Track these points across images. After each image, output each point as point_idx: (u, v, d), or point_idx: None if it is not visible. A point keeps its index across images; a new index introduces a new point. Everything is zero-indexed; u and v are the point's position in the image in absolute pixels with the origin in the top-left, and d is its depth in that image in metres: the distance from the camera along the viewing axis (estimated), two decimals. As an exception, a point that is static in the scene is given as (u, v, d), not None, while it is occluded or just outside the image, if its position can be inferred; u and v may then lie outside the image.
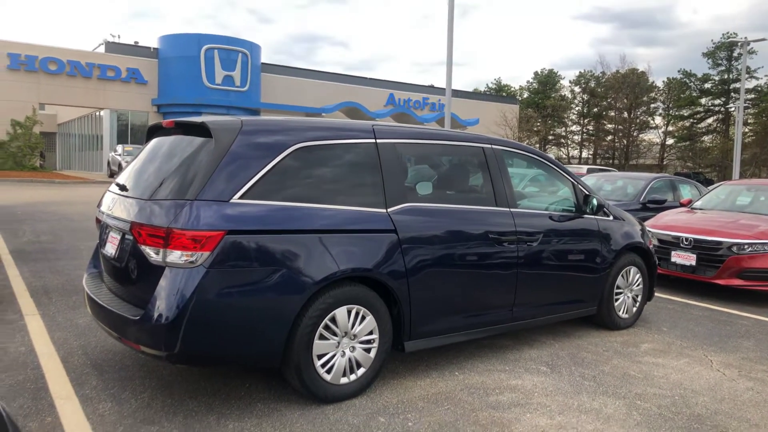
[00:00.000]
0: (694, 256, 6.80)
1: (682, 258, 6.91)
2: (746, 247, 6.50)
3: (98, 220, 3.99)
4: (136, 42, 34.42)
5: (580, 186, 4.96)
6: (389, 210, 3.63)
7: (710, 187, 9.31)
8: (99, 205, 4.00)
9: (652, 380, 4.02)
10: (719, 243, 6.65)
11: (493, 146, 4.42)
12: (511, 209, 4.31)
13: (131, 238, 3.25)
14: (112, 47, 32.88)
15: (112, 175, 28.24)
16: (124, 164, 25.65)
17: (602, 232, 4.95)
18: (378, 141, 3.75)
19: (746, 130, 49.35)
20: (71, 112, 37.68)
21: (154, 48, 33.08)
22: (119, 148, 28.42)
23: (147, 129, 4.05)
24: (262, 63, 35.23)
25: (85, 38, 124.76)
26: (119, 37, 37.82)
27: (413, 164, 4.22)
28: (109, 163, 29.41)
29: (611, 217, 5.13)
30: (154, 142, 3.84)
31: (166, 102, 32.25)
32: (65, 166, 40.99)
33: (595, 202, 4.94)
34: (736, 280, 6.52)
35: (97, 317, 3.53)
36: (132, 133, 33.10)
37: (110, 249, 3.56)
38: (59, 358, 3.97)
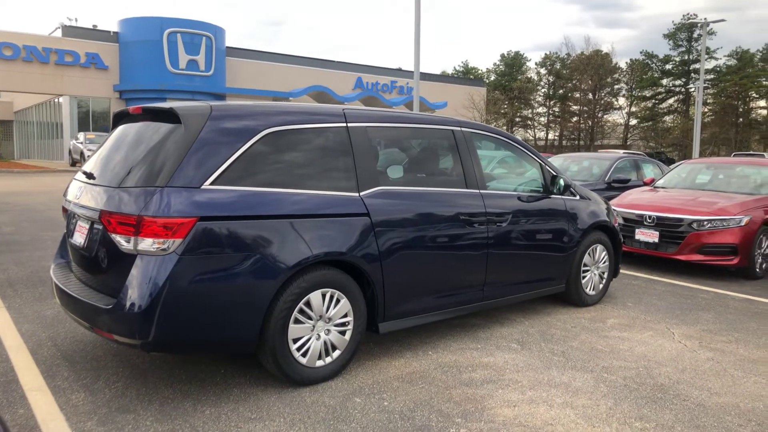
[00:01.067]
0: (657, 233, 7.01)
1: (646, 235, 7.11)
2: (705, 223, 6.73)
3: (65, 210, 3.91)
4: (94, 26, 33.38)
5: (547, 167, 5.06)
6: (362, 194, 3.66)
7: (672, 166, 9.57)
8: (65, 194, 3.92)
9: (618, 354, 4.16)
10: (680, 220, 6.86)
11: (463, 129, 4.47)
12: (481, 191, 4.37)
13: (101, 226, 3.21)
14: (70, 31, 31.80)
15: (74, 163, 27.52)
16: (86, 152, 25.02)
17: (569, 212, 5.07)
18: (349, 125, 3.75)
19: (706, 110, 50.71)
20: (28, 99, 36.47)
21: (114, 32, 32.12)
22: (81, 135, 27.67)
23: (113, 115, 3.97)
24: (227, 47, 34.57)
25: (40, 21, 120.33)
26: (77, 20, 36.48)
27: (384, 148, 4.24)
28: (70, 151, 28.62)
29: (578, 197, 5.25)
30: (120, 129, 3.76)
31: (128, 88, 31.44)
32: (23, 155, 39.74)
33: (562, 182, 5.04)
34: (697, 255, 6.76)
35: (66, 308, 3.47)
36: (94, 120, 32.21)
37: (79, 238, 3.50)
38: (28, 350, 3.90)
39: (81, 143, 26.63)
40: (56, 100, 32.57)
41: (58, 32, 32.05)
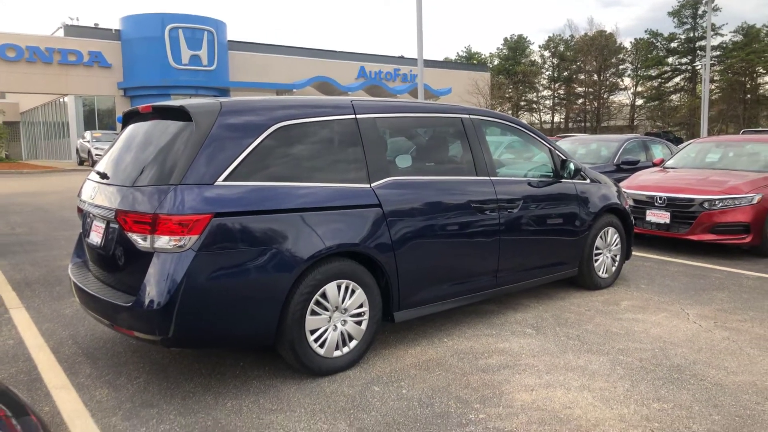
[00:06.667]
0: (668, 214, 6.99)
1: (657, 216, 7.09)
2: (717, 202, 6.70)
3: (80, 210, 3.95)
4: (96, 24, 33.59)
5: (556, 151, 5.05)
6: (373, 185, 3.67)
7: (681, 146, 9.51)
8: (79, 194, 3.96)
9: (633, 335, 4.17)
10: (691, 200, 6.84)
11: (471, 116, 4.46)
12: (491, 178, 4.37)
13: (117, 225, 3.24)
14: (72, 30, 31.87)
15: (82, 162, 27.68)
16: (93, 151, 25.16)
17: (580, 196, 5.06)
18: (358, 116, 3.76)
19: (713, 87, 50.18)
20: (34, 100, 36.65)
21: (116, 30, 32.15)
22: (87, 134, 27.82)
23: (123, 115, 4.00)
24: (229, 40, 34.53)
25: (41, 22, 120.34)
26: (78, 19, 36.61)
27: (394, 138, 4.25)
28: (77, 150, 28.78)
29: (588, 180, 5.24)
30: (131, 128, 3.79)
31: (132, 85, 31.52)
32: (31, 156, 39.99)
33: (572, 166, 5.03)
34: (709, 235, 6.73)
35: (86, 306, 3.52)
36: (99, 119, 32.36)
37: (95, 238, 3.54)
38: (50, 348, 3.96)
39: (88, 142, 26.78)
40: (61, 99, 32.71)
41: (60, 32, 32.13)
